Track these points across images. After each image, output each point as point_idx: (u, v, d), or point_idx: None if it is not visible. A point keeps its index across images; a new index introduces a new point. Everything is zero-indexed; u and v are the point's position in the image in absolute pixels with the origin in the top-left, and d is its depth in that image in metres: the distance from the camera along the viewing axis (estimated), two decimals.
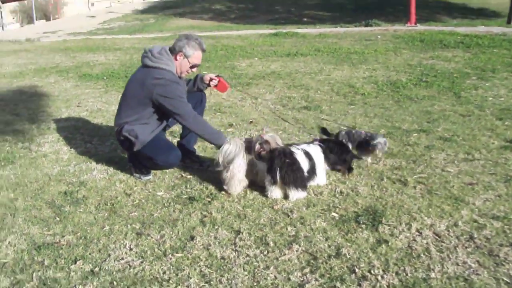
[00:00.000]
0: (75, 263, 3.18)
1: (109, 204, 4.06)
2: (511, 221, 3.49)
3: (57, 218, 3.84)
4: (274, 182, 3.96)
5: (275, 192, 4.01)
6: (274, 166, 3.92)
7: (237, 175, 4.05)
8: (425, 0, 22.53)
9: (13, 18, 38.19)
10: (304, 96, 7.55)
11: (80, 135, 6.02)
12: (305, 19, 21.55)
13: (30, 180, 4.62)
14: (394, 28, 15.00)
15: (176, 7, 29.31)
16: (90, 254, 3.29)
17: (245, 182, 4.14)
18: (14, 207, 4.04)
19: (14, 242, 3.48)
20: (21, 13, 40.23)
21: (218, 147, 4.22)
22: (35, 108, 7.51)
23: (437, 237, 3.31)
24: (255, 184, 4.23)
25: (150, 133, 4.44)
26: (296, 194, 3.97)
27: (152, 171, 4.65)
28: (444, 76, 8.45)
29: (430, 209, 3.70)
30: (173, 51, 4.40)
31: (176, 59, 4.41)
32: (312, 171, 4.09)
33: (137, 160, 4.56)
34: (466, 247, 3.18)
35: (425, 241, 3.27)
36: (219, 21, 23.53)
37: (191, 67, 4.48)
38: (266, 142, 4.08)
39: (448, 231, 3.39)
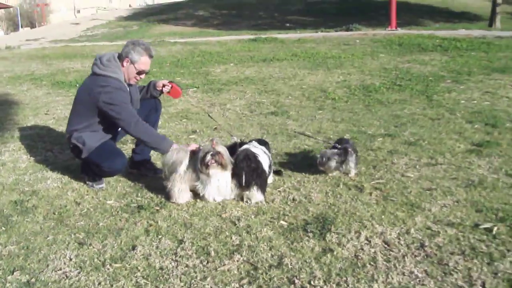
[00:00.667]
0: (13, 274, 3.04)
1: (57, 214, 3.91)
2: (466, 228, 3.32)
3: (3, 228, 3.69)
4: (239, 186, 3.85)
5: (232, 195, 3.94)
6: (240, 169, 3.81)
7: (177, 185, 3.87)
8: (408, 4, 22.56)
9: (3, 27, 37.89)
10: (273, 102, 7.40)
11: (43, 143, 5.84)
12: (288, 25, 21.49)
13: None
14: (374, 33, 14.93)
15: (160, 13, 29.22)
16: (29, 264, 3.15)
17: (187, 192, 3.94)
18: None
19: None
20: (7, 20, 39.96)
21: (163, 153, 4.08)
22: (2, 116, 7.32)
23: (386, 246, 3.15)
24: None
25: (98, 140, 4.31)
26: (258, 197, 3.87)
27: (106, 179, 4.47)
28: (419, 80, 8.34)
29: (383, 216, 3.54)
30: (120, 57, 4.29)
31: (123, 65, 4.28)
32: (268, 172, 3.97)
33: (88, 167, 4.40)
34: (415, 256, 3.02)
35: (372, 250, 3.10)
36: (201, 27, 23.45)
37: (138, 73, 4.34)
38: (218, 153, 3.87)
39: (399, 239, 3.23)
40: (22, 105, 8.08)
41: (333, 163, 4.19)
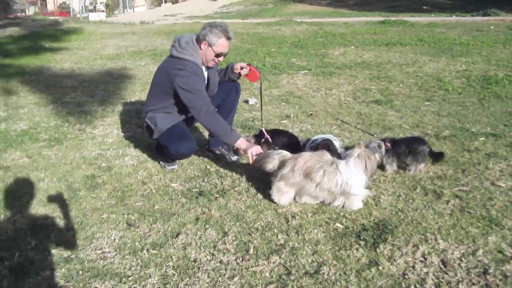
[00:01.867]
0: (57, 247, 3.17)
1: (120, 192, 4.00)
2: None
3: (67, 202, 3.84)
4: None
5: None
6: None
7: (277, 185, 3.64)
8: None
9: (145, 1, 40.12)
10: (382, 89, 6.96)
11: (137, 119, 6.02)
12: (425, 7, 20.25)
13: (66, 162, 4.69)
14: (511, 19, 13.53)
15: None
16: (76, 240, 3.26)
17: (288, 194, 3.62)
18: (37, 187, 4.12)
19: (15, 219, 3.58)
20: None
21: (230, 145, 4.10)
22: (112, 90, 7.67)
23: (442, 267, 2.76)
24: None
25: (170, 122, 4.32)
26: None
27: (179, 161, 4.50)
28: None
29: (451, 231, 3.12)
30: (198, 40, 4.21)
31: (201, 48, 4.21)
32: None
33: (161, 148, 4.42)
34: (472, 284, 2.62)
35: (425, 270, 2.74)
36: (336, 7, 22.94)
37: (216, 55, 4.23)
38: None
39: (461, 260, 2.82)
40: (134, 79, 8.40)
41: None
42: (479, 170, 4.04)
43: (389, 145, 4.04)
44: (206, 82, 4.31)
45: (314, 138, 4.25)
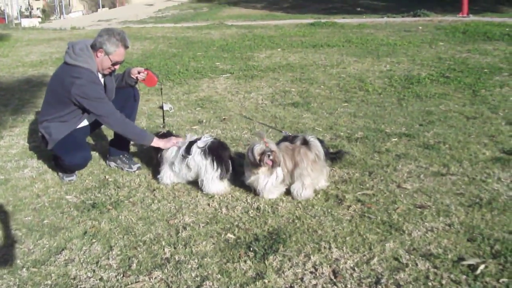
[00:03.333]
0: None
1: (11, 206, 3.71)
2: (444, 262, 2.67)
3: None
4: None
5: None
6: None
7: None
8: None
9: (84, 7, 39.13)
10: (301, 91, 6.81)
11: None
12: (359, 9, 20.47)
13: None
14: (440, 19, 13.79)
15: None
16: None
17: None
18: None
19: None
20: (89, 1, 41.12)
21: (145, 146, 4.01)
22: (27, 98, 7.23)
23: (332, 277, 2.57)
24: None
25: (64, 131, 4.06)
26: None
27: (79, 171, 4.23)
28: (472, 71, 7.43)
29: (348, 238, 2.94)
30: (94, 47, 3.96)
31: (97, 56, 3.97)
32: None
33: (57, 159, 4.11)
34: None
35: (314, 282, 2.54)
36: (270, 10, 22.87)
37: (113, 64, 4.01)
38: (273, 152, 3.43)
39: (353, 270, 2.64)
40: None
41: None
42: (386, 172, 3.90)
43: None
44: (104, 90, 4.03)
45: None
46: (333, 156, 3.95)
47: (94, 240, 3.11)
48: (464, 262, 2.67)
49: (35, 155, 4.79)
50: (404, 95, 6.38)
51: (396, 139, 4.65)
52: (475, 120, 5.19)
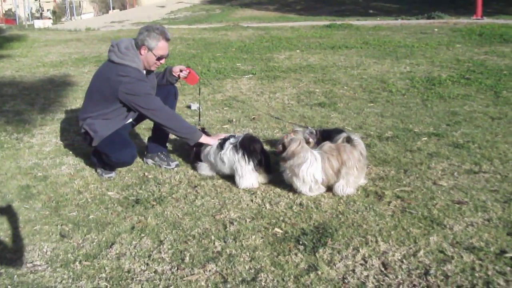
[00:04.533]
0: None
1: (55, 202, 3.79)
2: (488, 255, 2.78)
3: (0, 213, 3.62)
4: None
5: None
6: None
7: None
8: None
9: (93, 8, 39.54)
10: (326, 92, 6.92)
11: (76, 127, 5.72)
12: (371, 11, 20.55)
13: (0, 172, 4.45)
14: (455, 21, 13.86)
15: None
16: (6, 254, 3.06)
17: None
18: None
19: None
20: (100, 2, 41.52)
21: (192, 143, 4.07)
22: (53, 97, 7.36)
23: (382, 269, 2.67)
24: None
25: (110, 129, 4.15)
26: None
27: (117, 169, 4.29)
28: (491, 73, 7.52)
29: (392, 232, 3.05)
30: (137, 45, 4.08)
31: (141, 54, 4.08)
32: None
33: (99, 156, 4.23)
34: (413, 286, 2.55)
35: (365, 273, 2.65)
36: (283, 12, 22.99)
37: (158, 59, 4.12)
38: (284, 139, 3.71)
39: (402, 262, 2.74)
40: (76, 87, 8.10)
41: None
42: (421, 170, 4.01)
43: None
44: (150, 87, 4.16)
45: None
46: None
47: (143, 235, 3.20)
48: (507, 255, 2.77)
49: (70, 152, 4.91)
50: (427, 96, 6.47)
51: (426, 138, 4.75)
52: (500, 121, 5.28)
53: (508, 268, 2.65)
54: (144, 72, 4.14)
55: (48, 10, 32.21)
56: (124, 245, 3.09)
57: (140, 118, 4.41)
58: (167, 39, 4.11)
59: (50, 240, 3.21)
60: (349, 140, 3.62)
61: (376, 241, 2.95)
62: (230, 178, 3.98)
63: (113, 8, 34.89)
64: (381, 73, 8.05)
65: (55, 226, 3.40)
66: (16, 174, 4.37)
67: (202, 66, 9.29)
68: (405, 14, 17.68)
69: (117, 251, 3.03)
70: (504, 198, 3.47)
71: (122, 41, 4.09)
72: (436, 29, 12.54)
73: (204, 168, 4.15)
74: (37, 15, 30.82)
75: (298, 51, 10.75)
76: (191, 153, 4.26)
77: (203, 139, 4.07)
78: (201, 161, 4.17)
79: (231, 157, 3.87)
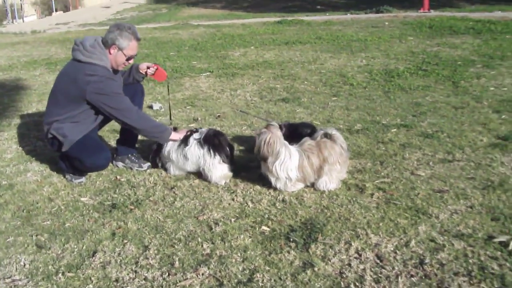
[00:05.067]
0: None
1: (26, 211, 3.60)
2: (477, 241, 2.81)
3: None
4: None
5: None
6: None
7: None
8: None
9: (35, 10, 38.14)
10: (287, 87, 6.89)
11: (36, 132, 5.51)
12: (319, 7, 20.73)
13: None
14: (404, 15, 14.14)
15: None
16: None
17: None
18: None
19: None
20: (42, 5, 40.18)
21: (163, 142, 3.99)
22: (6, 103, 7.03)
23: (378, 261, 2.66)
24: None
25: (80, 132, 3.93)
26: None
27: (88, 174, 4.11)
28: (446, 64, 7.68)
29: (381, 224, 3.04)
30: (106, 44, 3.88)
31: (110, 53, 3.90)
32: None
33: (68, 161, 4.03)
34: (411, 276, 2.53)
35: (361, 267, 2.62)
36: (230, 10, 22.89)
37: (127, 59, 3.95)
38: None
39: (395, 253, 2.74)
40: (30, 90, 7.78)
41: None
42: (396, 161, 4.03)
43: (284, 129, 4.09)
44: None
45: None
46: None
47: (125, 241, 3.08)
48: (495, 240, 2.81)
49: (34, 158, 4.68)
50: (389, 88, 6.55)
51: (395, 130, 4.79)
52: (463, 110, 5.38)
53: (499, 253, 2.69)
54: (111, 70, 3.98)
55: None
56: (107, 253, 2.96)
57: (105, 120, 4.23)
58: (138, 39, 3.97)
59: (27, 252, 3.03)
60: (327, 135, 3.59)
61: (367, 234, 2.94)
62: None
63: (56, 10, 33.84)
64: (339, 67, 8.10)
65: (29, 236, 3.22)
66: None
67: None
68: (353, 8, 17.91)
69: (101, 260, 2.90)
70: (482, 185, 3.53)
71: (86, 39, 3.91)
72: (386, 23, 12.75)
73: (170, 168, 4.07)
74: None
75: (252, 47, 10.70)
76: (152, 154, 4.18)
77: (173, 136, 3.97)
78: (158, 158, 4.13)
79: (195, 153, 3.82)
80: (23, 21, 28.72)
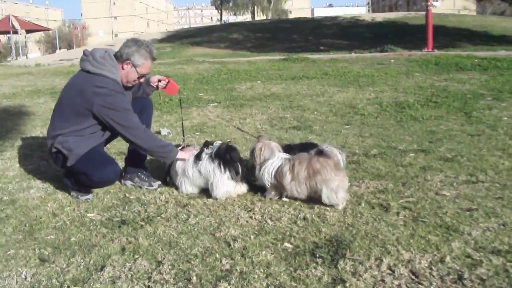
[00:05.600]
0: None
1: (28, 226, 3.39)
2: None
3: None
4: None
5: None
6: None
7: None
8: (445, 28, 21.79)
9: (38, 49, 38.85)
10: (297, 117, 6.79)
11: (40, 152, 5.36)
12: (322, 48, 20.94)
13: None
14: (409, 53, 14.24)
15: (194, 36, 29.15)
16: None
17: None
18: None
19: None
20: (46, 43, 40.88)
21: (168, 161, 3.90)
22: (10, 126, 6.92)
23: (414, 277, 2.46)
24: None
25: (86, 146, 3.75)
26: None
27: (94, 190, 3.92)
28: (456, 97, 7.61)
29: (411, 240, 2.85)
30: (119, 58, 3.75)
31: (122, 68, 3.75)
32: None
33: (73, 177, 3.84)
34: None
35: (396, 282, 2.43)
36: (234, 50, 23.13)
37: (139, 77, 3.81)
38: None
39: (431, 269, 2.54)
40: (34, 116, 7.69)
41: None
42: (419, 182, 3.87)
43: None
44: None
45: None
46: None
47: (136, 256, 2.87)
48: None
49: (37, 176, 4.50)
50: (401, 118, 6.44)
51: (413, 154, 4.64)
52: (479, 137, 5.25)
53: None
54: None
55: None
56: (117, 268, 2.75)
57: (112, 136, 4.07)
58: (154, 59, 3.88)
59: (29, 265, 2.82)
60: (322, 151, 3.46)
61: (397, 250, 2.75)
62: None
63: (60, 48, 34.35)
64: (348, 100, 8.02)
65: (32, 250, 3.01)
66: None
67: (164, 95, 9.02)
68: (356, 49, 18.05)
69: (110, 274, 2.68)
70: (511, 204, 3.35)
71: (96, 50, 3.78)
72: (392, 60, 12.79)
73: (183, 185, 3.91)
74: None
75: (259, 81, 10.67)
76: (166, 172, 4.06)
77: (180, 155, 3.85)
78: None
79: (207, 167, 3.70)
80: (26, 57, 29.05)
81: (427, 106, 7.16)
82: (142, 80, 3.91)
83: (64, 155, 3.73)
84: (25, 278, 2.68)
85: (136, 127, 3.71)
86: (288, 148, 3.97)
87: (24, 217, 3.56)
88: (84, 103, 3.63)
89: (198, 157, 3.78)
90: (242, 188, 3.77)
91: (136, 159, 4.15)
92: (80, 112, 3.68)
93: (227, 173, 3.65)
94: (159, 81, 4.12)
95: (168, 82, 4.13)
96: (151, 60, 3.83)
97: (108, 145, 4.27)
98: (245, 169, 3.78)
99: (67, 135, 3.74)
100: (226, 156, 3.67)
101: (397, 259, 2.65)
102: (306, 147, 3.96)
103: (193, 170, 3.77)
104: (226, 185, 3.66)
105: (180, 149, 3.92)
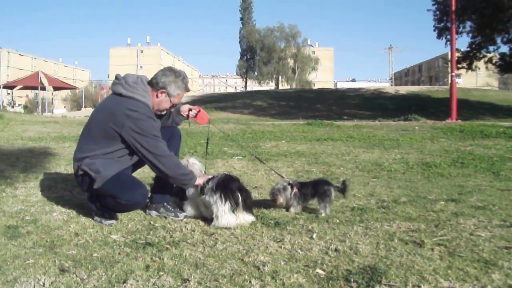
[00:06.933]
0: None
1: (49, 241, 3.35)
2: None
3: None
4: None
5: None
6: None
7: None
8: (468, 102, 21.89)
9: (64, 106, 39.72)
10: (323, 171, 6.74)
11: (64, 184, 5.37)
12: (345, 117, 21.08)
13: None
14: (433, 121, 14.23)
15: (219, 101, 29.62)
16: None
17: None
18: None
19: None
20: (71, 101, 41.92)
21: (188, 188, 3.90)
22: (34, 162, 6.99)
23: None
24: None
25: (114, 169, 3.71)
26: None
27: (118, 216, 3.90)
28: (483, 159, 7.53)
29: (449, 271, 2.75)
30: (155, 85, 3.79)
31: (157, 96, 3.79)
32: None
33: (99, 200, 3.82)
34: None
35: None
36: (258, 116, 23.40)
37: (171, 106, 3.85)
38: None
39: None
40: (58, 156, 7.76)
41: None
42: (452, 225, 3.77)
43: (295, 189, 4.19)
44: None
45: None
46: (341, 188, 4.27)
47: (161, 273, 2.78)
48: None
49: (60, 202, 4.48)
50: (428, 175, 6.37)
51: (443, 203, 4.55)
52: (509, 192, 5.15)
53: None
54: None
55: (19, 104, 32.24)
56: (140, 282, 2.66)
57: (139, 163, 4.05)
58: (187, 91, 3.93)
59: (48, 274, 2.74)
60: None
61: (436, 279, 2.64)
62: (251, 227, 3.66)
63: (85, 107, 35.14)
64: (373, 159, 7.98)
65: (52, 261, 2.95)
66: (1, 216, 3.95)
67: (189, 148, 9.10)
68: (380, 118, 18.15)
69: (134, 287, 2.60)
70: None
71: (128, 75, 3.80)
72: (416, 127, 12.79)
73: (190, 210, 4.06)
74: (9, 108, 30.80)
75: (283, 141, 10.70)
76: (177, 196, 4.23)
77: (198, 181, 3.85)
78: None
79: (210, 199, 3.71)
80: (52, 113, 29.75)
81: (454, 166, 7.09)
82: (173, 109, 3.94)
83: (91, 177, 3.69)
84: (43, 285, 2.61)
85: (164, 155, 3.69)
86: (301, 185, 4.22)
87: (45, 234, 3.51)
88: (114, 125, 3.62)
89: (201, 191, 3.80)
90: (246, 218, 3.73)
91: (163, 188, 4.12)
92: (110, 134, 3.66)
93: (227, 204, 3.63)
94: (190, 110, 4.13)
95: (199, 111, 4.16)
96: (184, 91, 3.88)
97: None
98: (249, 199, 3.76)
99: (95, 157, 3.72)
100: (226, 187, 3.70)
101: (435, 287, 2.54)
102: (317, 184, 4.22)
103: (198, 201, 3.92)
104: (227, 216, 3.65)
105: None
